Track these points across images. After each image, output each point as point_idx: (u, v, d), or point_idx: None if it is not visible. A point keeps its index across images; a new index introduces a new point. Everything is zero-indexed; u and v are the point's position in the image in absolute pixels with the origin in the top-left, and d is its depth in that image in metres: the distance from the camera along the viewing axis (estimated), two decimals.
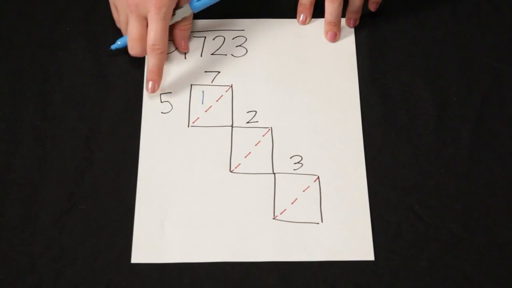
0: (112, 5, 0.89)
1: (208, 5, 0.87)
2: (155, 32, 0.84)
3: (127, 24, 0.86)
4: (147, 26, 0.84)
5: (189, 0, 0.86)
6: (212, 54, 0.90)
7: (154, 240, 0.78)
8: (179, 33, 0.88)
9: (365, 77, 0.88)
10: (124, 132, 0.84)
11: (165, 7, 0.83)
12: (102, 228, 0.79)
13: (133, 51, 0.86)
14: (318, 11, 0.92)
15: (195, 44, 0.91)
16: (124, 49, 0.88)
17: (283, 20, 0.92)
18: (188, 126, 0.85)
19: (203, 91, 0.87)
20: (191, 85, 0.88)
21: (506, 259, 0.78)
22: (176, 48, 0.90)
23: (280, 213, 0.80)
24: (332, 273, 0.77)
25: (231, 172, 0.82)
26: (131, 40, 0.85)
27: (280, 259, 0.78)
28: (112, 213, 0.80)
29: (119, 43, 0.88)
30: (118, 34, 0.90)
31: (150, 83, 0.86)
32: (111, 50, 0.88)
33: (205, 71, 0.89)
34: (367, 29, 0.92)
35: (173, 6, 0.85)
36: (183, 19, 0.87)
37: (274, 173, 0.82)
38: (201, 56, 0.90)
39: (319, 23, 0.92)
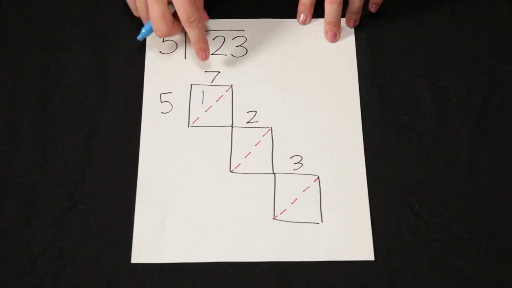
0: None
1: None
2: (183, 6, 0.84)
3: (146, 8, 0.86)
4: (167, 3, 0.84)
5: None
6: (212, 54, 0.90)
7: (154, 240, 0.78)
8: (197, 3, 0.87)
9: (365, 77, 0.88)
10: (124, 132, 0.84)
11: None
12: (102, 228, 0.79)
13: (160, 32, 0.85)
14: (318, 11, 0.92)
15: None
16: (126, 49, 0.88)
17: (283, 20, 0.92)
18: (188, 126, 0.85)
19: (203, 91, 0.87)
20: (191, 85, 0.88)
21: (506, 259, 0.78)
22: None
23: (280, 213, 0.80)
24: (332, 273, 0.77)
25: (231, 172, 0.82)
26: (155, 22, 0.85)
27: (280, 259, 0.78)
28: (112, 213, 0.80)
29: (143, 31, 0.87)
30: (118, 34, 0.90)
31: (200, 53, 0.87)
32: (139, 41, 0.88)
33: (205, 71, 0.89)
34: (367, 29, 0.92)
35: None
36: None
37: (274, 173, 0.82)
38: None
39: (319, 23, 0.92)
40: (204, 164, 0.83)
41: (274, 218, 0.80)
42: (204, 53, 0.87)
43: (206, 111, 0.86)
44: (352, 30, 0.91)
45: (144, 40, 0.89)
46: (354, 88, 0.87)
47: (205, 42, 0.87)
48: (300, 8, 0.92)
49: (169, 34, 0.86)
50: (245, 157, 0.83)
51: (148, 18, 0.87)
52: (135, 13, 0.90)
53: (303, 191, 0.81)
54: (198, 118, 0.86)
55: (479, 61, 0.89)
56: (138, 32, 0.88)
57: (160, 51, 0.89)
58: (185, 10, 0.84)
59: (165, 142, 0.84)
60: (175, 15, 0.86)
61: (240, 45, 0.90)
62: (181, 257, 0.78)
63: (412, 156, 0.83)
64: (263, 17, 0.92)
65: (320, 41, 0.91)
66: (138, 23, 0.90)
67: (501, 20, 0.92)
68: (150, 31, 0.87)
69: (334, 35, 0.90)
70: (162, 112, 0.86)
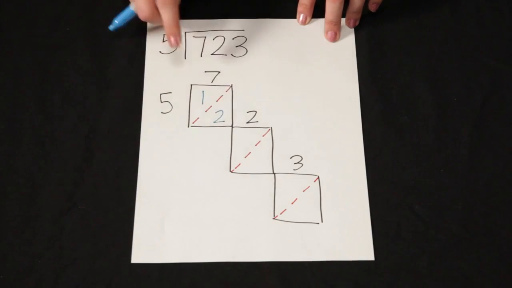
0: None
1: None
2: None
3: None
4: None
5: None
6: (212, 54, 0.90)
7: (154, 240, 0.78)
8: None
9: (365, 77, 0.88)
10: (124, 132, 0.84)
11: None
12: (102, 228, 0.79)
13: (143, 13, 0.85)
14: (318, 11, 0.92)
15: (195, 44, 0.90)
16: (126, 49, 0.88)
17: (283, 20, 0.92)
18: (188, 126, 0.85)
19: (203, 91, 0.87)
20: (191, 85, 0.88)
21: (506, 259, 0.78)
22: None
23: (280, 213, 0.80)
24: (332, 273, 0.77)
25: (231, 172, 0.82)
26: (139, 2, 0.85)
27: (280, 259, 0.78)
28: (112, 213, 0.80)
29: (116, 22, 0.88)
30: (118, 34, 0.90)
31: (172, 38, 0.86)
32: (111, 31, 0.88)
33: (205, 71, 0.89)
34: (367, 29, 0.92)
35: None
36: None
37: (274, 173, 0.82)
38: (201, 56, 0.90)
39: (319, 23, 0.92)
40: (204, 164, 0.83)
41: (274, 218, 0.80)
42: (175, 39, 0.86)
43: (206, 111, 0.86)
44: (352, 30, 0.91)
45: (144, 40, 0.89)
46: (354, 88, 0.87)
47: (177, 28, 0.86)
48: (300, 8, 0.92)
49: (153, 18, 0.86)
50: (245, 157, 0.83)
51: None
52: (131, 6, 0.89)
53: (303, 191, 0.81)
54: (198, 118, 0.86)
55: (479, 61, 0.89)
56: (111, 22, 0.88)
57: (160, 51, 0.89)
58: None
59: (165, 142, 0.84)
60: None
61: (240, 45, 0.90)
62: (181, 257, 0.78)
63: (412, 156, 0.83)
64: (263, 17, 0.92)
65: (320, 41, 0.91)
66: (138, 24, 0.90)
67: (501, 20, 0.92)
68: (125, 19, 0.87)
69: (334, 35, 0.90)
70: (162, 112, 0.86)
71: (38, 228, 0.79)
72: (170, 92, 0.87)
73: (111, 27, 0.88)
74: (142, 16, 0.86)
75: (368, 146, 0.84)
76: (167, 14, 0.85)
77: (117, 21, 0.88)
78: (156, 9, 0.86)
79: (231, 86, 0.88)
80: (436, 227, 0.79)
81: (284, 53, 0.90)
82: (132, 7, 0.87)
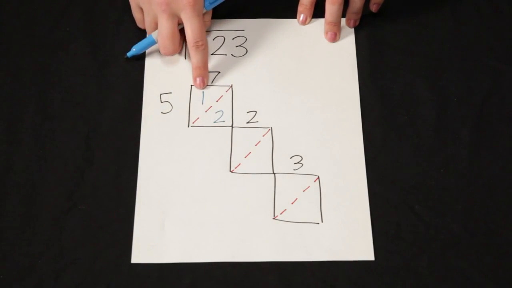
0: (134, 6, 0.88)
1: (218, 3, 0.88)
2: (193, 29, 0.84)
3: (154, 24, 0.86)
4: (177, 24, 0.85)
5: None
6: (212, 54, 0.90)
7: (154, 240, 0.78)
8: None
9: (365, 77, 0.88)
10: (124, 132, 0.84)
11: (198, 3, 0.84)
12: (102, 228, 0.79)
13: (166, 50, 0.86)
14: (318, 11, 0.92)
15: None
16: (126, 49, 0.88)
17: (283, 20, 0.92)
18: (188, 126, 0.85)
19: (203, 91, 0.87)
20: (191, 85, 0.88)
21: (506, 259, 0.78)
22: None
23: (280, 213, 0.80)
24: (332, 273, 0.77)
25: (231, 172, 0.82)
26: (163, 39, 0.85)
27: (280, 259, 0.78)
28: (112, 213, 0.80)
29: (134, 50, 0.88)
30: (118, 34, 0.90)
31: (198, 79, 0.86)
32: (128, 57, 0.88)
33: None
34: (367, 29, 0.92)
35: (202, 2, 0.85)
36: (204, 15, 0.87)
37: (274, 173, 0.82)
38: None
39: (319, 23, 0.92)
40: (204, 164, 0.83)
41: (274, 218, 0.80)
42: (201, 81, 0.86)
43: (206, 111, 0.86)
44: (352, 30, 0.91)
45: None
46: (354, 88, 0.87)
47: (206, 70, 0.87)
48: (300, 8, 0.92)
49: (175, 53, 0.86)
50: (245, 157, 0.83)
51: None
52: (139, 25, 0.89)
53: (303, 191, 0.81)
54: (198, 118, 0.86)
55: (479, 61, 0.89)
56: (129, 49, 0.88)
57: (160, 51, 0.89)
58: (194, 32, 0.84)
59: (165, 142, 0.84)
60: (181, 32, 0.86)
61: (240, 45, 0.90)
62: (181, 257, 0.78)
63: (412, 156, 0.83)
64: (263, 17, 0.92)
65: (320, 41, 0.91)
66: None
67: (501, 20, 0.92)
68: (144, 48, 0.87)
69: (334, 35, 0.90)
70: (162, 112, 0.86)
71: (38, 228, 0.79)
72: (170, 92, 0.87)
73: (129, 54, 0.88)
74: (164, 53, 0.86)
75: (368, 146, 0.84)
76: (198, 57, 0.86)
77: (134, 49, 0.88)
78: (179, 46, 0.86)
79: (231, 86, 0.88)
80: (436, 227, 0.79)
81: (284, 53, 0.90)
82: (154, 36, 0.87)
